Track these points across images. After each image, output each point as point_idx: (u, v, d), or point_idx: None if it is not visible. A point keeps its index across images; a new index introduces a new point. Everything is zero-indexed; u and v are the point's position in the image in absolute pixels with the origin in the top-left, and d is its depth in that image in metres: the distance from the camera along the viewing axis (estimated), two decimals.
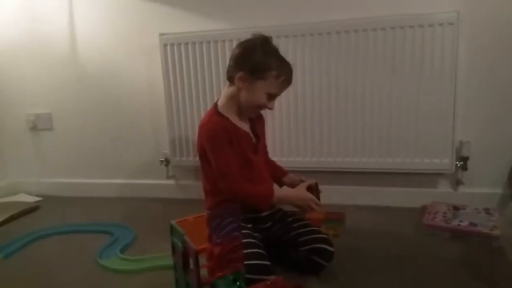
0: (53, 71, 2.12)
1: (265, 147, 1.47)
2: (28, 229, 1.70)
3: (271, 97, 1.27)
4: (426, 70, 1.60)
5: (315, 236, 1.22)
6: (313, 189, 1.29)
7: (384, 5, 1.66)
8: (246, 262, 1.05)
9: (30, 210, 1.98)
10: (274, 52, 1.25)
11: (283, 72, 1.23)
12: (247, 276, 1.03)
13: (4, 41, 2.15)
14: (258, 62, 1.21)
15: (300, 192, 1.29)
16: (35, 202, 2.10)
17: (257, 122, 1.39)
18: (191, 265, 0.98)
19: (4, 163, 2.27)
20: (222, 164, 1.24)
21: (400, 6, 1.64)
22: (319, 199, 1.29)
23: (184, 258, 1.00)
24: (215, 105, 1.33)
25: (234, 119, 1.30)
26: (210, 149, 1.25)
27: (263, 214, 1.31)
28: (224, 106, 1.30)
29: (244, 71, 1.22)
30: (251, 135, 1.33)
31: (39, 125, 2.20)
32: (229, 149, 1.24)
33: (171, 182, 2.09)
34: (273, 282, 0.92)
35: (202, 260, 0.97)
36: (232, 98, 1.28)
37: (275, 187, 1.33)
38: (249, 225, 1.25)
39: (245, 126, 1.33)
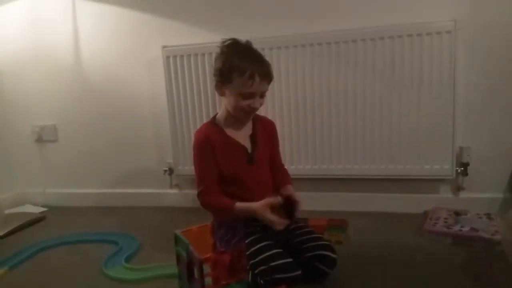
0: (58, 83, 2.16)
1: (269, 155, 1.42)
2: (33, 239, 1.73)
3: (248, 96, 1.24)
4: (425, 77, 1.62)
5: (318, 243, 1.23)
6: (276, 208, 1.21)
7: (382, 15, 1.69)
8: (272, 264, 1.10)
9: (36, 220, 2.00)
10: (238, 52, 1.25)
11: (246, 69, 1.20)
12: (277, 276, 1.08)
13: (10, 54, 2.19)
14: (222, 67, 1.25)
15: (258, 208, 1.21)
16: (40, 212, 2.12)
17: (262, 131, 1.39)
18: (196, 275, 0.99)
19: (10, 174, 2.30)
20: (197, 172, 1.31)
21: (398, 16, 1.67)
22: (290, 216, 1.20)
23: (188, 267, 1.02)
24: (215, 115, 1.38)
25: (229, 129, 1.33)
26: (193, 156, 1.32)
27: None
28: (220, 117, 1.35)
29: (216, 80, 1.28)
30: (246, 145, 1.34)
31: (44, 137, 2.23)
32: (208, 158, 1.29)
33: (174, 191, 2.11)
34: None
35: (206, 269, 0.98)
36: (225, 108, 1.32)
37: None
38: (259, 228, 1.27)
39: (241, 136, 1.34)
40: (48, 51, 2.14)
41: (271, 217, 1.19)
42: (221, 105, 1.37)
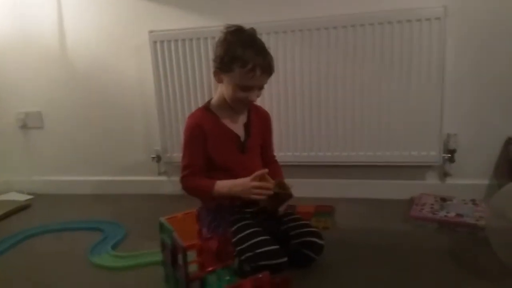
0: (43, 69, 2.11)
1: (262, 146, 1.41)
2: (19, 227, 1.70)
3: (245, 89, 1.22)
4: (414, 64, 1.61)
5: (305, 229, 1.24)
6: (265, 178, 1.20)
7: (371, 1, 1.67)
8: (258, 251, 1.10)
9: (21, 208, 1.97)
10: (242, 42, 1.19)
11: (248, 61, 1.16)
12: (262, 263, 1.08)
13: None
14: (223, 54, 1.20)
15: (239, 180, 1.22)
16: (26, 200, 2.09)
17: (257, 120, 1.37)
18: (180, 261, 0.99)
19: None
20: (185, 157, 1.30)
21: (388, 2, 1.65)
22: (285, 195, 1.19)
23: (172, 254, 1.01)
24: (209, 100, 1.35)
25: (224, 115, 1.31)
26: (183, 140, 1.31)
27: (254, 209, 1.31)
28: (216, 102, 1.32)
29: (215, 67, 1.24)
30: (239, 133, 1.32)
31: (29, 124, 2.19)
32: (197, 145, 1.27)
33: (162, 178, 2.09)
34: (258, 278, 0.93)
35: (191, 256, 0.98)
36: (222, 95, 1.30)
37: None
38: (247, 215, 1.27)
39: (235, 124, 1.32)
40: (33, 36, 2.08)
41: (257, 183, 1.18)
42: (216, 90, 1.33)
